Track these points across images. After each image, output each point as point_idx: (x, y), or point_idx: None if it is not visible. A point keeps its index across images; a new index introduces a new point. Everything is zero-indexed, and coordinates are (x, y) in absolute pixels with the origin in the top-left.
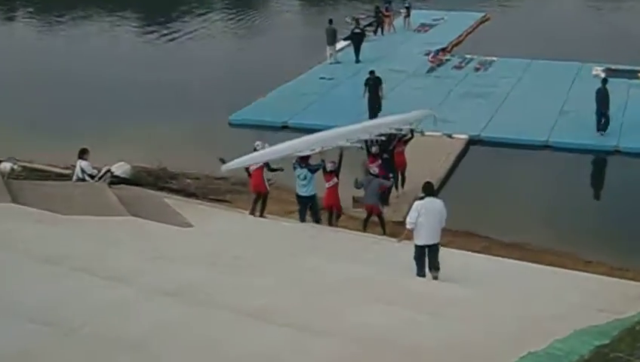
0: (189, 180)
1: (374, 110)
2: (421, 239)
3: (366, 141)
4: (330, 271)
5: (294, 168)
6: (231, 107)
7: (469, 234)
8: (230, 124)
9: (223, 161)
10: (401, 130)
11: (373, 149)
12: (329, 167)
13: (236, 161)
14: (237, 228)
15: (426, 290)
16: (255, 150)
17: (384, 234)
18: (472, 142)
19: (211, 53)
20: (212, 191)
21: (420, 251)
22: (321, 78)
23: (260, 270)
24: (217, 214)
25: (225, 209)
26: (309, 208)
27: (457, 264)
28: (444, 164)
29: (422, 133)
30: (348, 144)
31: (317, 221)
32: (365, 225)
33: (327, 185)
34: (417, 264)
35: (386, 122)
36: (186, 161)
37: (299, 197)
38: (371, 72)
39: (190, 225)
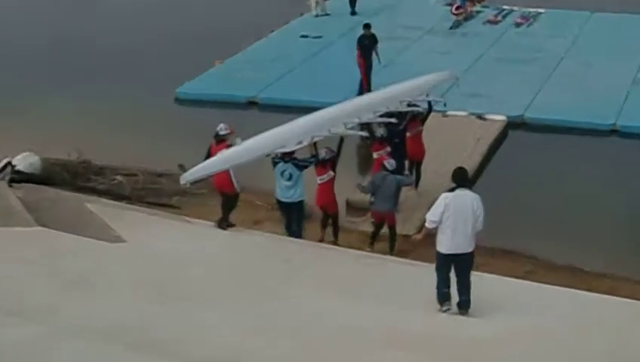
0: (120, 178)
1: (369, 82)
2: (445, 245)
3: (367, 123)
4: (318, 307)
5: (274, 163)
6: (179, 77)
7: (507, 253)
8: (178, 100)
9: (183, 169)
10: (415, 105)
11: (380, 131)
12: (323, 154)
13: (199, 168)
14: (187, 244)
15: (452, 332)
16: (218, 136)
17: (392, 252)
18: (511, 125)
19: (152, 4)
20: (153, 192)
21: (443, 261)
22: (303, 36)
23: (219, 305)
24: (160, 225)
25: (170, 217)
26: (294, 216)
27: (493, 294)
28: (473, 156)
29: (444, 110)
30: (346, 131)
31: (299, 234)
32: (373, 241)
33: (319, 179)
34: (438, 278)
35: (395, 93)
36: (117, 152)
37: (281, 203)
38: (366, 26)
39: (121, 240)
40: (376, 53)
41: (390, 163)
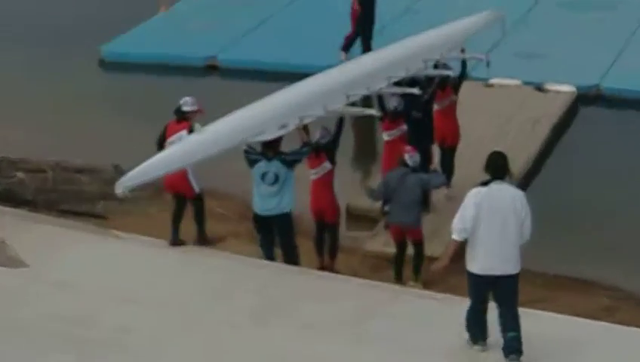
0: (20, 174)
1: (366, 40)
2: (479, 262)
3: (380, 95)
4: (303, 357)
5: (250, 161)
6: (105, 32)
7: (576, 283)
8: (103, 63)
9: (119, 171)
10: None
11: (392, 102)
12: (317, 137)
13: (141, 169)
14: (117, 271)
15: None
16: (179, 112)
17: (416, 279)
18: (582, 99)
19: None
20: (68, 195)
21: (476, 284)
22: None
23: (166, 357)
24: (77, 242)
25: (93, 232)
26: (278, 236)
27: (556, 340)
28: (531, 141)
29: (486, 77)
30: (348, 108)
31: (292, 261)
32: (399, 269)
33: (312, 174)
34: (471, 309)
35: (419, 48)
36: (17, 139)
37: (260, 218)
38: None
39: (23, 264)
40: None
41: (412, 157)
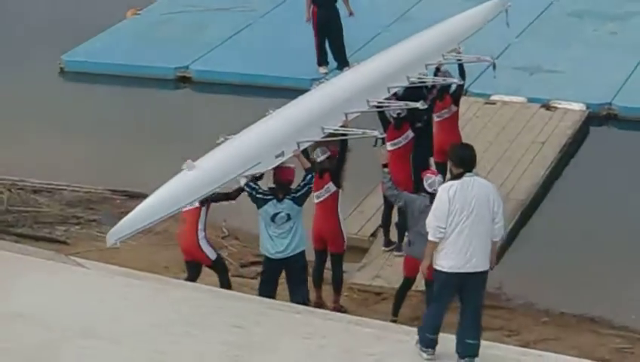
0: None
1: (339, 53)
2: (451, 259)
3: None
4: None
5: (257, 200)
6: (68, 39)
7: (584, 321)
8: (64, 73)
9: (106, 222)
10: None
11: (396, 109)
12: (319, 155)
13: (130, 219)
14: (79, 303)
15: None
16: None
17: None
18: (594, 119)
19: None
20: (25, 218)
21: (444, 285)
22: None
23: None
24: (35, 272)
25: (53, 259)
26: (290, 276)
27: None
28: (537, 165)
29: (488, 93)
30: (348, 129)
31: (301, 301)
32: (400, 304)
33: (315, 197)
34: (431, 311)
35: (422, 50)
36: None
37: (274, 262)
38: None
39: None
40: (346, 3)
41: (433, 181)
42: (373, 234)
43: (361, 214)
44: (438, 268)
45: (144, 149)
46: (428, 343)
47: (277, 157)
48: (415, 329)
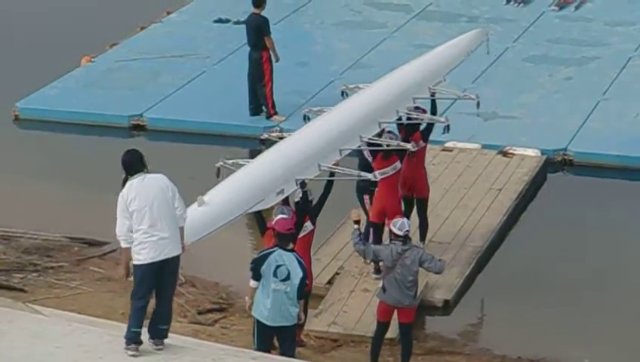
0: None
1: (254, 97)
2: (148, 250)
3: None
4: None
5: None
6: (24, 84)
7: None
8: (18, 120)
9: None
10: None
11: (385, 136)
12: (298, 195)
13: None
14: (39, 351)
15: None
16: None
17: None
18: (551, 164)
19: None
20: None
21: (145, 275)
22: (218, 20)
23: None
24: None
25: (9, 306)
26: (284, 342)
27: None
28: (493, 212)
29: (442, 140)
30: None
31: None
32: (377, 352)
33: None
34: (136, 305)
35: (407, 82)
36: None
37: (267, 328)
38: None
39: None
40: (272, 52)
41: (402, 223)
42: (330, 282)
43: (318, 261)
44: (136, 263)
45: (100, 196)
46: (134, 336)
47: (277, 194)
48: None
